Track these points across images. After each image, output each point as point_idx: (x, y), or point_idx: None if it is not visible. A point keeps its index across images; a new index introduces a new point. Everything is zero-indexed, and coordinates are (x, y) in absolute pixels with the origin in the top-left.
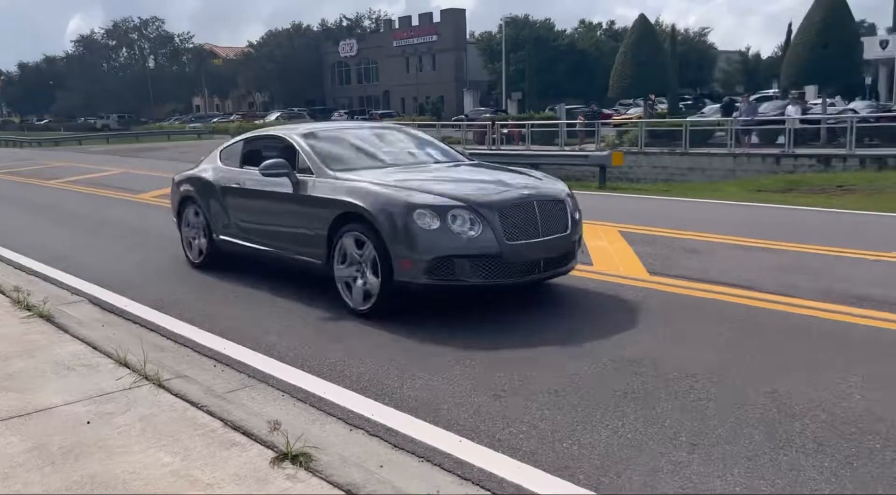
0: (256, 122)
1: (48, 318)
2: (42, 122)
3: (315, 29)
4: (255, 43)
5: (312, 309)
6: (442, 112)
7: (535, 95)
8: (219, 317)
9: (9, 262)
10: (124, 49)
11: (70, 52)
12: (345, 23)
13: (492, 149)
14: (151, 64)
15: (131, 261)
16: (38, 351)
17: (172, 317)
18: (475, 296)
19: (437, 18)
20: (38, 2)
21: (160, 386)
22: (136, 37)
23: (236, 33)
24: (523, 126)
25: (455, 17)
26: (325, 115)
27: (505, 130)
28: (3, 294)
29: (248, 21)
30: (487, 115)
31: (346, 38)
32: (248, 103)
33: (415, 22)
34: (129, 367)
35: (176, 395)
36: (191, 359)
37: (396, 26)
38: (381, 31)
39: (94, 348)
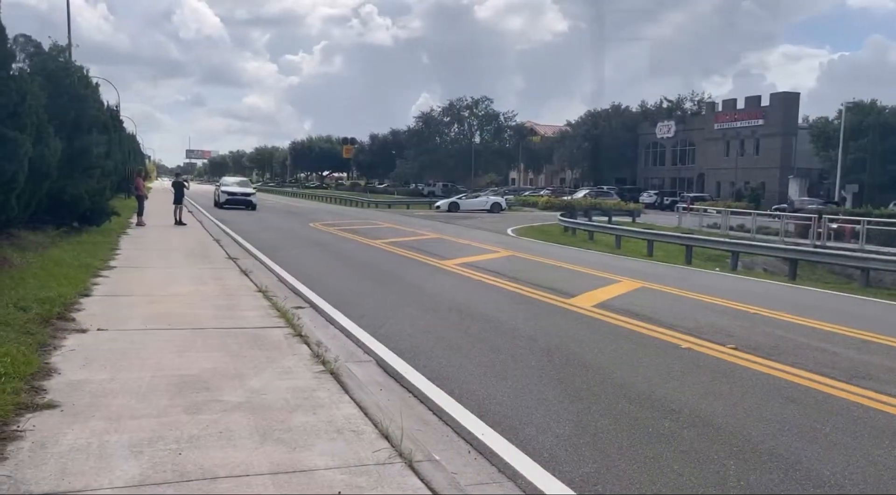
0: (564, 198)
1: (336, 376)
2: (382, 186)
3: (634, 110)
4: (574, 122)
5: (579, 403)
6: (762, 199)
7: (877, 189)
8: (486, 398)
9: (324, 314)
10: (456, 125)
11: (411, 126)
12: (665, 105)
13: (816, 246)
14: (477, 139)
15: (421, 326)
16: (320, 409)
17: (443, 392)
18: None
19: (765, 102)
20: (394, 84)
21: (410, 466)
22: (466, 114)
23: (557, 112)
24: (858, 222)
25: (787, 100)
26: (633, 195)
27: (834, 225)
28: (308, 346)
29: (570, 100)
30: (814, 206)
31: (665, 120)
32: (560, 179)
33: (740, 105)
34: (388, 440)
35: (422, 481)
36: (448, 440)
37: (720, 109)
38: (703, 113)
39: (366, 414)
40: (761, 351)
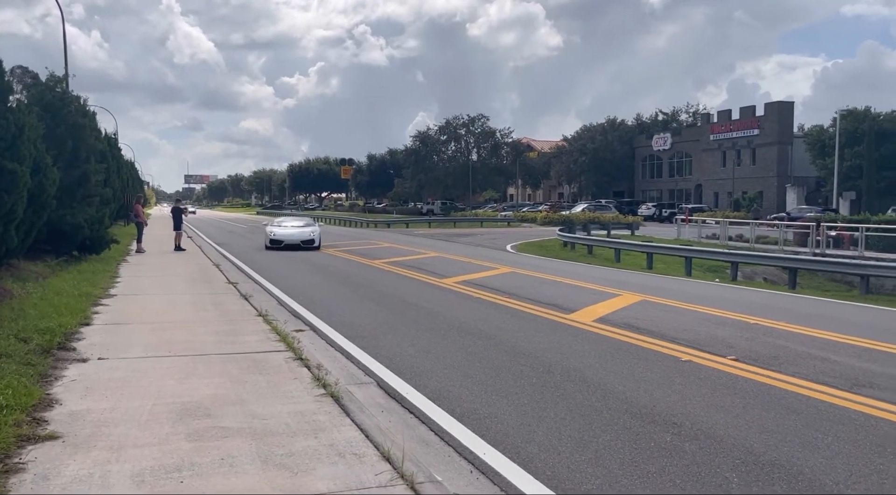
0: (562, 212)
1: (337, 399)
2: (381, 206)
3: (630, 123)
4: (570, 137)
5: (580, 419)
6: (760, 208)
7: (875, 195)
8: (488, 417)
9: (324, 337)
10: (453, 143)
11: (408, 145)
12: (660, 117)
13: (815, 254)
14: (474, 156)
15: (422, 346)
16: (322, 432)
17: (444, 411)
18: None
19: (760, 112)
20: (391, 104)
21: (412, 488)
22: (463, 132)
23: (553, 127)
24: (856, 229)
25: (781, 110)
26: (631, 207)
27: (833, 233)
28: (309, 369)
29: (566, 115)
30: (812, 215)
31: (661, 132)
32: (558, 194)
33: (735, 116)
34: (390, 463)
35: None
36: (450, 461)
37: (714, 120)
38: (699, 124)
39: (367, 436)
40: (762, 361)
